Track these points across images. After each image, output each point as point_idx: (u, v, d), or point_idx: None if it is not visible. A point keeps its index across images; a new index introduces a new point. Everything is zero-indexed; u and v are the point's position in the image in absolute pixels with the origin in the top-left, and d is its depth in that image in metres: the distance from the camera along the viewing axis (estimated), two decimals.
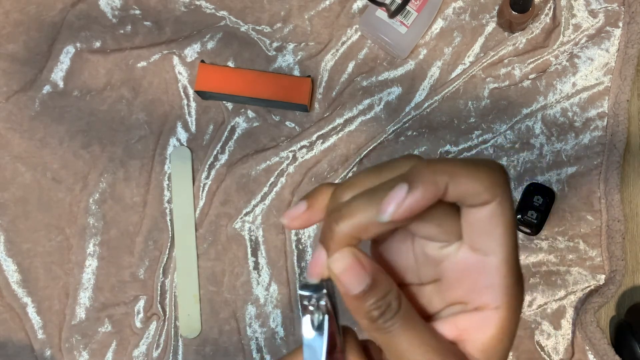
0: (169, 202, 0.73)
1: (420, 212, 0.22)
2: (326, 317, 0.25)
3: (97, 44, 0.75)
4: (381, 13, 0.71)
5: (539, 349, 0.70)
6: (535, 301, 0.70)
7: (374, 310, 0.23)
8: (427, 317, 0.26)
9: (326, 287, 0.24)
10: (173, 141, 0.74)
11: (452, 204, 0.23)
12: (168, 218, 0.73)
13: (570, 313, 0.70)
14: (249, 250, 0.72)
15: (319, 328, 0.25)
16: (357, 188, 0.24)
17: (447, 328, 0.25)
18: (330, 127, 0.73)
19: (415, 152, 0.73)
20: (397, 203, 0.21)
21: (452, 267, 0.25)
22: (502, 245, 0.23)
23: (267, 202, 0.73)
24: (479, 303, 0.24)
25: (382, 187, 0.23)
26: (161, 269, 0.72)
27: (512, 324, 0.24)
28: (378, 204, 0.22)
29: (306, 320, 0.25)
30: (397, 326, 0.23)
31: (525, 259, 0.71)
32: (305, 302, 0.25)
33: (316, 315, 0.25)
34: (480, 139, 0.73)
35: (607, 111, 0.72)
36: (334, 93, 0.74)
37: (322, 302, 0.24)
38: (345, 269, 0.23)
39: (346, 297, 0.23)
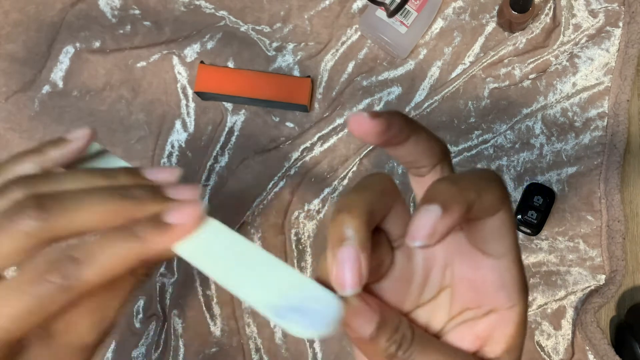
0: None
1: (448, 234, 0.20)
2: None
3: (97, 44, 0.75)
4: (381, 13, 0.71)
5: (539, 349, 0.70)
6: (535, 301, 0.70)
7: (390, 346, 0.22)
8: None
9: None
10: (172, 141, 0.74)
11: None
12: None
13: (570, 313, 0.70)
14: None
15: None
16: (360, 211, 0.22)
17: (463, 338, 0.25)
18: (330, 127, 0.73)
19: None
20: (431, 227, 0.19)
21: (464, 270, 0.25)
22: (512, 247, 0.23)
23: (266, 202, 0.73)
24: (493, 305, 0.24)
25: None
26: (160, 269, 0.72)
27: (526, 317, 0.25)
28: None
29: None
30: (417, 352, 0.23)
31: (525, 259, 0.71)
32: None
33: None
34: (480, 139, 0.73)
35: (607, 111, 0.72)
36: (333, 93, 0.74)
37: None
38: (353, 313, 0.22)
39: (359, 342, 0.22)
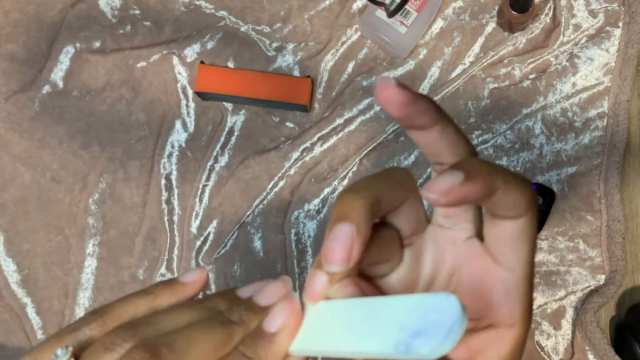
0: (167, 202, 0.73)
1: (462, 205, 0.20)
2: None
3: (97, 44, 0.75)
4: (381, 13, 0.71)
5: (539, 349, 0.70)
6: (535, 301, 0.70)
7: None
8: None
9: None
10: (172, 141, 0.74)
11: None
12: (166, 219, 0.73)
13: (570, 313, 0.70)
14: (249, 250, 0.72)
15: None
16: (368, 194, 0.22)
17: (457, 349, 0.24)
18: (330, 127, 0.73)
19: (415, 153, 0.73)
20: (449, 186, 0.19)
21: (471, 277, 0.24)
22: (526, 261, 0.22)
23: (267, 202, 0.73)
24: (494, 319, 0.23)
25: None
26: (160, 269, 0.72)
27: (524, 340, 0.24)
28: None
29: None
30: None
31: None
32: None
33: None
34: (480, 139, 0.73)
35: (607, 111, 0.72)
36: (334, 93, 0.74)
37: None
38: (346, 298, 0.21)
39: None
